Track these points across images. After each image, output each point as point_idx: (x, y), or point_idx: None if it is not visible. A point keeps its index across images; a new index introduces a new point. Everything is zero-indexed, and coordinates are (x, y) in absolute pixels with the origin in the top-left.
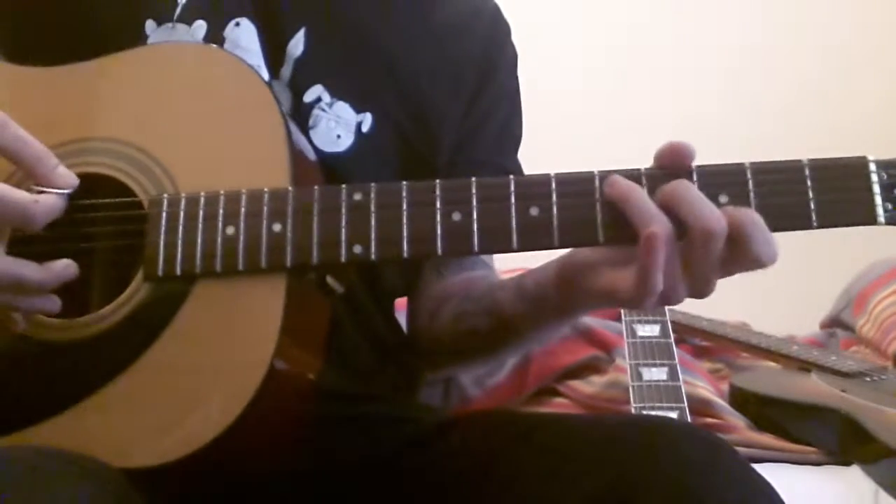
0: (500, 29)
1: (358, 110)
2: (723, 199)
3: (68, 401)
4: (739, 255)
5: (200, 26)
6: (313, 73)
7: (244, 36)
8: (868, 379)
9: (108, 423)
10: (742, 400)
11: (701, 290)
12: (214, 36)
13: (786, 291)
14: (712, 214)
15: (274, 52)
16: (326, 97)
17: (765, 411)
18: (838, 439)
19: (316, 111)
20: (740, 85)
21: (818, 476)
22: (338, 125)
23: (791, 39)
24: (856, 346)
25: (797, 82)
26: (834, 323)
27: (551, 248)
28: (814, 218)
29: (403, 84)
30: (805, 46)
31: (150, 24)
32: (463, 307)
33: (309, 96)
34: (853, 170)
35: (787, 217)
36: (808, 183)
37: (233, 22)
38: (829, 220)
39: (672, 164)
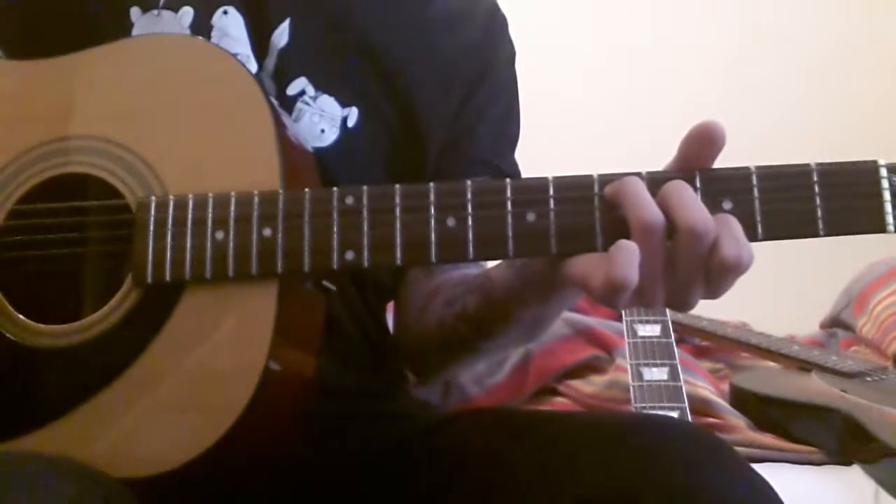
0: (496, 23)
1: (343, 105)
2: (726, 205)
3: (58, 411)
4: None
5: (187, 13)
6: (297, 65)
7: (232, 24)
8: (868, 379)
9: (101, 433)
10: (742, 400)
11: (680, 297)
12: (202, 23)
13: (786, 291)
14: (700, 214)
15: (259, 42)
16: (311, 90)
17: (765, 411)
18: (838, 439)
19: (299, 104)
20: (741, 85)
21: (818, 476)
22: (322, 119)
23: (792, 38)
24: (856, 346)
25: (799, 81)
26: (834, 323)
27: (548, 254)
28: (821, 226)
29: (392, 79)
30: (806, 45)
31: (134, 12)
32: (453, 292)
33: (292, 89)
34: (862, 175)
35: (794, 225)
36: (816, 189)
37: (220, 10)
38: (837, 228)
39: (702, 145)
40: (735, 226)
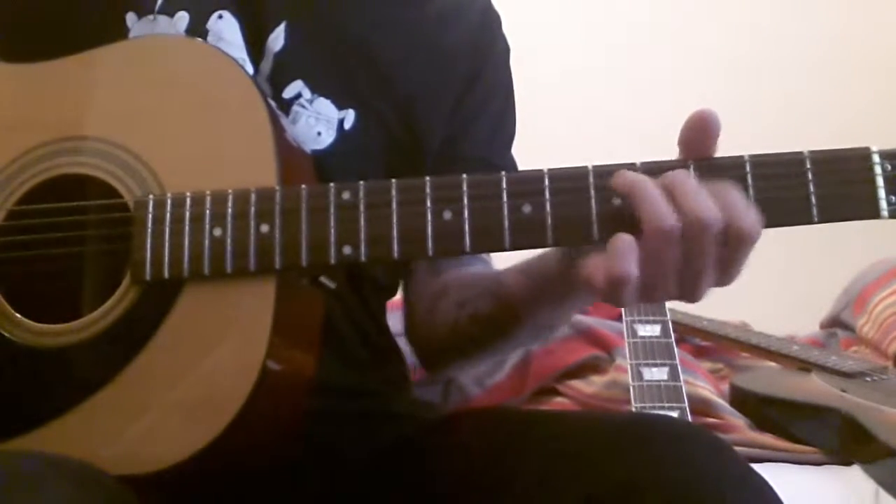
0: (490, 21)
1: (340, 107)
2: None
3: (57, 410)
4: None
5: (182, 18)
6: (293, 69)
7: (227, 28)
8: (868, 379)
9: (100, 432)
10: (742, 400)
11: (692, 288)
12: (197, 28)
13: (786, 291)
14: (706, 205)
15: (254, 46)
16: (307, 93)
17: (765, 411)
18: (838, 439)
19: (296, 107)
20: (740, 82)
21: (818, 476)
22: (318, 122)
23: (791, 35)
24: (856, 346)
25: (798, 78)
26: (834, 323)
27: (545, 246)
28: (815, 212)
29: (387, 79)
30: (804, 43)
31: (130, 17)
32: (464, 294)
33: (288, 92)
34: (855, 161)
35: (788, 212)
36: (809, 176)
37: (215, 14)
38: (831, 214)
39: (698, 133)
40: (737, 195)
